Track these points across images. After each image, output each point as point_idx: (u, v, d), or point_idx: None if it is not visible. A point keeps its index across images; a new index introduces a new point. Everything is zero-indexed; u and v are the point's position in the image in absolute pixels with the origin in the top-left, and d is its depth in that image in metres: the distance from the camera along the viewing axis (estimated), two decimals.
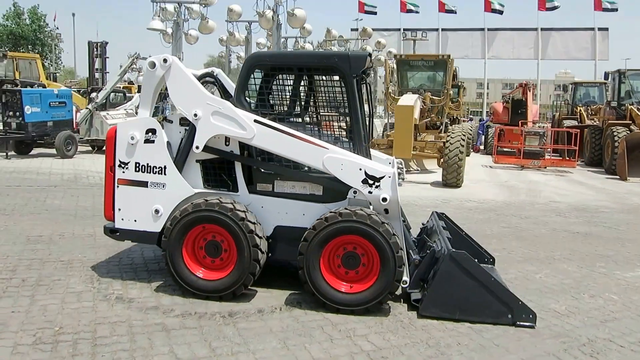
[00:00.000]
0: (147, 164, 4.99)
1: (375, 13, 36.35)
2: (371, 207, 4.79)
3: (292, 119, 5.20)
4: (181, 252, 4.79)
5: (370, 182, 4.73)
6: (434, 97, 15.92)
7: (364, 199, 4.81)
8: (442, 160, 13.00)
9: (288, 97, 5.37)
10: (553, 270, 6.32)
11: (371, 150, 5.99)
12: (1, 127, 14.33)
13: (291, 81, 5.38)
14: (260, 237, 4.75)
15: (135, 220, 5.05)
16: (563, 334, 4.41)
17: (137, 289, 4.95)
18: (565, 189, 13.42)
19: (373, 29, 30.44)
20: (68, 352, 3.65)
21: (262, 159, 5.02)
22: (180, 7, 14.72)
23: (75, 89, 23.19)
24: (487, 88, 48.20)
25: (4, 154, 13.81)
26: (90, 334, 3.95)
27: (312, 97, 5.56)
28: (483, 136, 24.73)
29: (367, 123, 5.77)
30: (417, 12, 36.81)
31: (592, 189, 13.68)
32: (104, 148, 5.29)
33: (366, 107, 5.56)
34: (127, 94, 18.57)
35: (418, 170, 15.97)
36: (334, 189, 4.94)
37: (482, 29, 36.70)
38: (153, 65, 4.91)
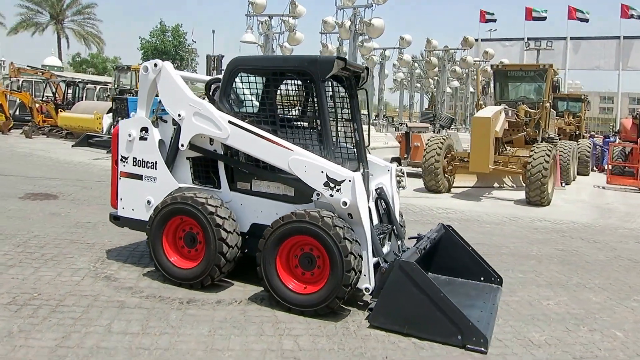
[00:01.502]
0: (142, 159, 5.53)
1: (494, 21, 34.49)
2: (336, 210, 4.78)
3: (265, 121, 5.32)
4: (161, 240, 5.22)
5: (332, 185, 4.72)
6: (529, 110, 14.81)
7: (327, 202, 4.81)
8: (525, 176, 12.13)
9: (265, 99, 5.55)
10: (572, 298, 5.63)
11: (370, 155, 5.95)
12: None
13: (268, 84, 5.54)
14: (228, 232, 4.98)
15: (132, 209, 5.62)
16: None
17: (128, 272, 5.49)
18: None
19: (494, 39, 29.13)
20: (27, 314, 4.24)
21: (239, 158, 5.28)
22: (271, 19, 15.63)
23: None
24: (639, 103, 42.69)
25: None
26: (57, 302, 4.52)
27: (289, 101, 5.68)
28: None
29: (362, 129, 5.74)
30: (544, 18, 34.04)
31: None
32: None
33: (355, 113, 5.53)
34: None
35: (513, 187, 14.92)
36: (304, 191, 5.00)
37: (617, 37, 32.80)
38: (146, 69, 5.45)
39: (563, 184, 15.45)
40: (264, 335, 4.19)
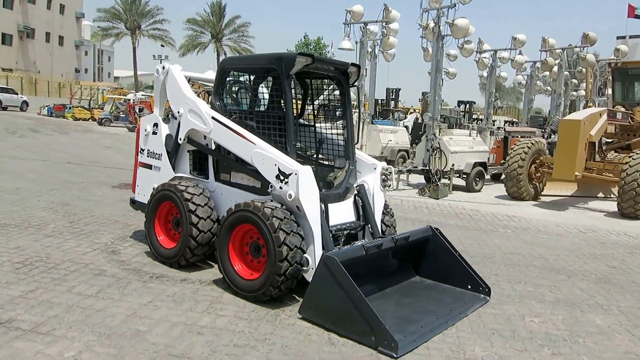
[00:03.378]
0: (153, 151, 6.24)
1: None
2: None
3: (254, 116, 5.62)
4: (154, 222, 5.86)
5: (282, 177, 4.87)
6: None
7: (279, 194, 4.96)
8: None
9: (249, 96, 5.83)
10: (569, 318, 4.93)
11: (359, 152, 5.93)
12: None
13: (251, 82, 5.81)
14: (200, 218, 5.41)
15: (144, 195, 6.36)
16: None
17: (134, 249, 6.23)
18: None
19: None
20: (23, 271, 5.14)
21: (222, 152, 5.66)
22: (366, 26, 15.77)
23: None
24: None
25: None
26: (53, 265, 5.37)
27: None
28: None
29: (352, 126, 5.75)
30: None
31: None
32: None
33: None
34: None
35: None
36: (268, 183, 5.21)
37: None
38: (158, 72, 6.14)
39: None
40: (191, 312, 4.50)
